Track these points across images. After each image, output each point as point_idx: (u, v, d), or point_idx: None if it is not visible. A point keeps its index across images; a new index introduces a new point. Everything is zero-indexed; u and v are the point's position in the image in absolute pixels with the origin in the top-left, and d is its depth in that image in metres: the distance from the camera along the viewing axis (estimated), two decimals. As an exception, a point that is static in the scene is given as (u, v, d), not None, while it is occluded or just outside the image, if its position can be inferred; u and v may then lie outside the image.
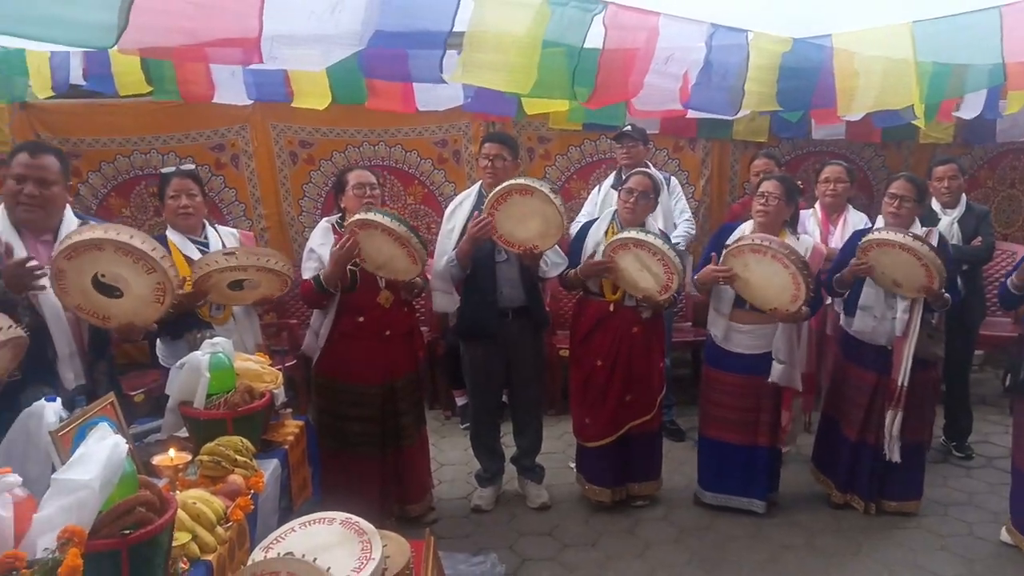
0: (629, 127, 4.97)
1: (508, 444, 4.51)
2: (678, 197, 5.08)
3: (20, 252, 2.76)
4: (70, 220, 2.95)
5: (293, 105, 4.72)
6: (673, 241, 4.20)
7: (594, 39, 2.84)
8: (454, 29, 2.59)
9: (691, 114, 4.56)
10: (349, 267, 3.62)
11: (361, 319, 3.73)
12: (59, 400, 2.34)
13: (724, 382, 4.09)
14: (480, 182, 4.14)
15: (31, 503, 1.88)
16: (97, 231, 2.70)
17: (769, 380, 3.93)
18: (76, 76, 4.59)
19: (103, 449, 1.86)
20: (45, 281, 2.69)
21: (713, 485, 4.24)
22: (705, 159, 6.07)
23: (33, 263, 2.63)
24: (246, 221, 5.71)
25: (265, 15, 2.13)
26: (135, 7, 1.83)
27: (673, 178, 5.20)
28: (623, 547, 3.92)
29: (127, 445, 1.92)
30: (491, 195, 3.72)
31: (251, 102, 4.82)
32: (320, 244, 3.71)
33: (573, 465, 4.52)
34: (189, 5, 2.08)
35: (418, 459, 4.07)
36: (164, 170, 3.66)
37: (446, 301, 4.13)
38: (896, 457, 3.96)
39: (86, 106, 5.32)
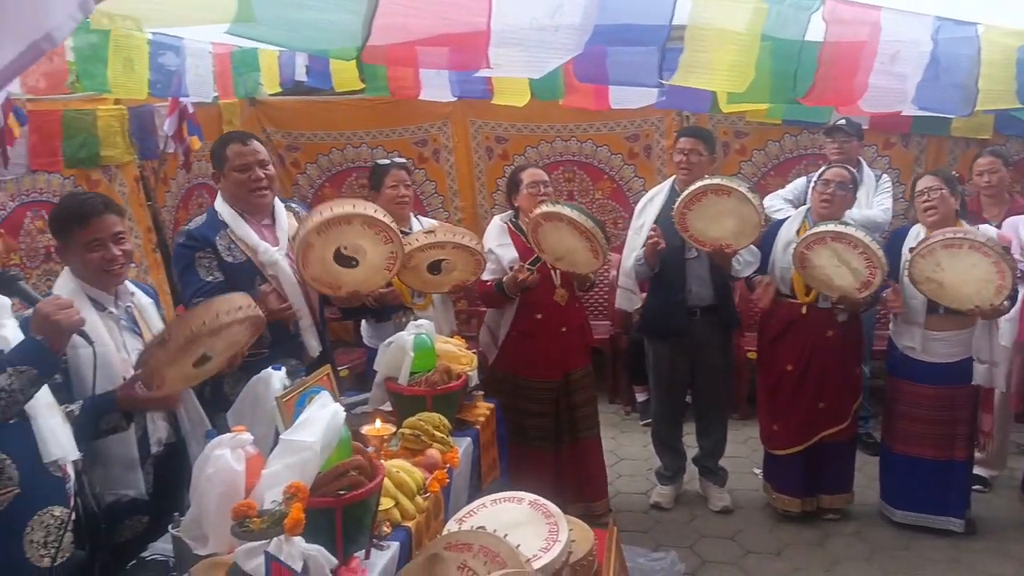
0: (843, 121, 4.65)
1: (690, 444, 4.45)
2: (884, 193, 4.73)
3: (257, 243, 2.98)
4: (278, 205, 3.19)
5: (493, 102, 4.88)
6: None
7: (812, 34, 2.72)
8: (670, 36, 2.56)
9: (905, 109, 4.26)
10: (528, 264, 3.69)
11: (539, 316, 3.78)
12: (284, 369, 2.58)
13: (916, 394, 3.82)
14: (673, 177, 4.10)
15: (259, 459, 2.10)
16: (346, 206, 2.94)
17: (972, 383, 3.65)
18: (300, 73, 5.00)
19: (325, 415, 2.03)
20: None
21: (903, 502, 3.97)
22: (919, 157, 5.64)
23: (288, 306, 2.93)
24: (443, 213, 5.99)
25: (493, 16, 2.23)
26: (383, 12, 1.98)
27: (884, 175, 4.88)
28: (810, 560, 3.76)
29: (344, 413, 2.10)
30: (683, 195, 3.64)
31: (454, 99, 5.03)
32: (497, 244, 3.78)
33: (758, 471, 4.39)
34: (424, 24, 2.23)
35: (593, 452, 4.05)
36: (381, 161, 3.89)
37: (629, 300, 4.14)
38: None
39: (306, 103, 5.79)
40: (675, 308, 3.96)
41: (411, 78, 4.75)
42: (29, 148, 3.63)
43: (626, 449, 5.04)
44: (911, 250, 3.56)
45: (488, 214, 6.02)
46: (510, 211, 3.93)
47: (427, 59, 2.46)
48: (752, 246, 3.88)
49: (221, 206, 3.03)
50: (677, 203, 3.68)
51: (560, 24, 2.33)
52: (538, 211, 3.53)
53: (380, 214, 2.98)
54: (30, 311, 2.06)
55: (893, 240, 3.88)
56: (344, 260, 3.01)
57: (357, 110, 5.77)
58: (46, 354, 1.93)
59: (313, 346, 3.13)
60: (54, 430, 2.00)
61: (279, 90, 5.19)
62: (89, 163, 4.00)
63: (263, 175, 3.01)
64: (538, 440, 3.87)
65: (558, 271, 3.74)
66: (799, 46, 2.72)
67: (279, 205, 3.19)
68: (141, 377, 2.26)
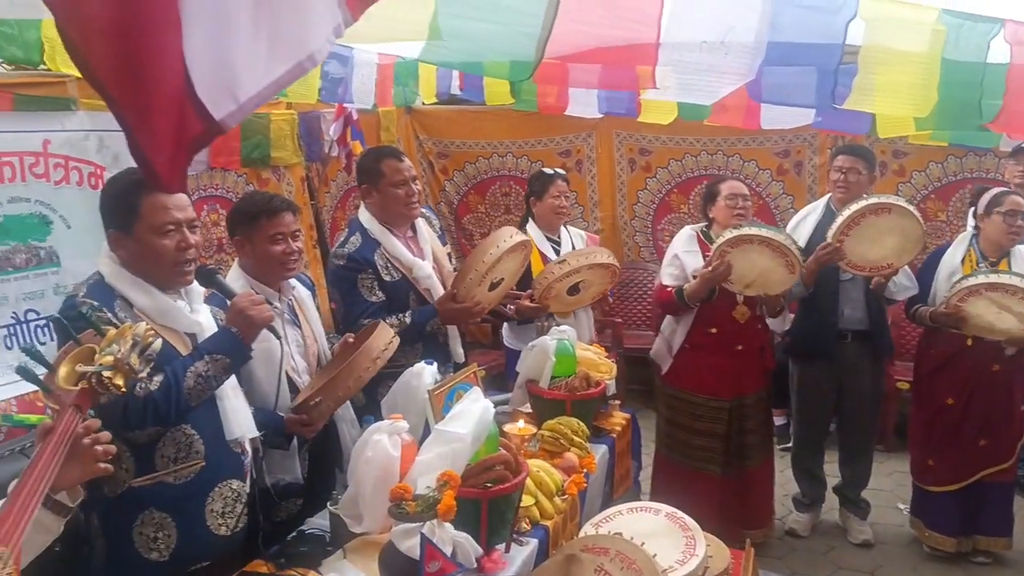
0: None
1: (830, 473, 4.28)
2: None
3: (410, 259, 3.10)
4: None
5: (638, 120, 4.90)
6: None
7: (993, 56, 2.59)
8: (842, 59, 2.50)
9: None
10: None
11: (714, 331, 3.66)
12: (435, 364, 2.70)
13: None
14: (828, 196, 3.98)
15: (413, 447, 2.21)
16: (492, 250, 3.06)
17: None
18: (454, 87, 5.20)
19: (476, 409, 2.13)
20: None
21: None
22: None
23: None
24: (583, 223, 6.03)
25: (663, 29, 2.26)
26: (548, 51, 2.07)
27: None
28: (956, 604, 3.55)
29: (494, 409, 2.18)
30: (842, 219, 3.49)
31: (600, 115, 5.08)
32: (684, 251, 3.69)
33: (904, 507, 4.18)
34: (594, 45, 2.29)
35: (761, 482, 3.91)
36: (546, 170, 3.98)
37: (779, 320, 4.03)
38: None
39: (457, 111, 6.00)
40: (826, 330, 3.82)
41: (559, 95, 4.86)
42: (211, 148, 3.95)
43: (761, 473, 4.90)
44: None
45: (628, 226, 6.04)
46: (703, 223, 3.81)
47: (592, 78, 2.51)
48: (908, 269, 3.71)
49: (369, 222, 3.09)
50: (834, 229, 3.52)
51: (731, 45, 2.32)
52: (723, 239, 3.40)
53: (519, 237, 3.14)
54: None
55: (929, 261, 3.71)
56: (493, 285, 3.17)
57: (505, 120, 5.91)
58: (238, 345, 2.09)
59: (459, 353, 3.26)
60: (237, 411, 2.18)
61: (435, 100, 5.42)
62: (261, 163, 4.32)
63: (416, 190, 3.13)
64: (703, 462, 3.75)
65: None
66: (982, 69, 2.59)
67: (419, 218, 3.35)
68: (307, 417, 2.41)
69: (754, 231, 3.36)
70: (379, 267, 3.02)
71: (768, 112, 4.61)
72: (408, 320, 2.99)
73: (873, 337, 3.87)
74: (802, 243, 3.84)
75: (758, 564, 2.84)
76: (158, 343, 1.66)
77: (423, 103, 5.64)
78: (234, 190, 4.16)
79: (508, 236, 3.12)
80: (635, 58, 2.38)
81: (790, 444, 4.74)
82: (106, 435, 1.52)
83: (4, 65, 3.73)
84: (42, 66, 3.08)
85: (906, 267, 3.68)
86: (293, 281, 2.74)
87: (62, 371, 1.51)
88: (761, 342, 3.84)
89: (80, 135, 3.18)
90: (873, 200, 3.46)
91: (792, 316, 4.08)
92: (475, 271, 3.01)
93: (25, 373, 1.52)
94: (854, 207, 3.46)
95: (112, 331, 1.59)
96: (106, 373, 1.49)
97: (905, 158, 5.48)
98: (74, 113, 3.16)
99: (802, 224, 3.97)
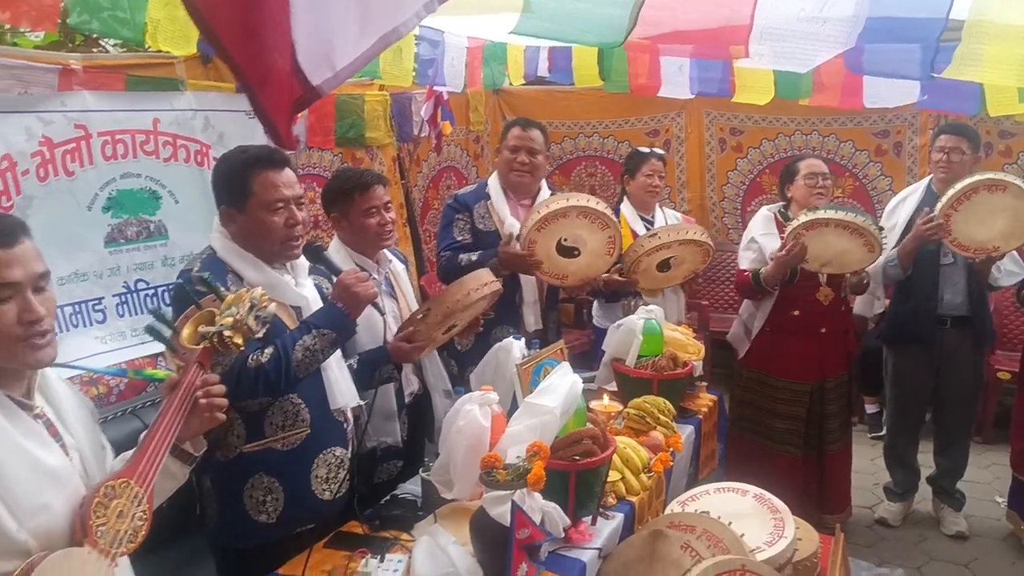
0: None
1: (924, 463, 4.15)
2: None
3: (507, 216, 3.27)
4: (544, 189, 3.43)
5: (733, 100, 4.80)
6: None
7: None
8: (948, 25, 2.40)
9: None
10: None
11: (796, 313, 3.60)
12: (523, 339, 2.75)
13: None
14: (929, 177, 3.83)
15: (503, 418, 2.26)
16: (560, 201, 3.10)
17: None
18: (542, 68, 5.20)
19: (565, 384, 2.16)
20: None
21: None
22: None
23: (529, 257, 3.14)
24: (669, 204, 5.94)
25: (757, 10, 2.22)
26: (646, 4, 2.06)
27: None
28: (1056, 602, 3.41)
29: (583, 384, 2.21)
30: (953, 191, 3.35)
31: (692, 96, 5.00)
32: (761, 234, 3.65)
33: (1002, 500, 4.03)
34: (687, 17, 2.26)
35: (840, 466, 3.85)
36: (641, 149, 3.97)
37: (870, 304, 3.92)
38: None
39: (544, 92, 6.00)
40: (924, 316, 3.69)
41: (652, 75, 4.80)
42: (308, 127, 4.08)
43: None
44: None
45: (716, 207, 5.95)
46: (781, 202, 3.76)
47: (684, 48, 2.48)
48: (1016, 254, 3.54)
49: (493, 180, 3.41)
50: (943, 202, 3.38)
51: (829, 17, 2.26)
52: (797, 223, 3.33)
53: (593, 203, 3.12)
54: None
55: None
56: (567, 251, 3.18)
57: (592, 100, 5.89)
58: (344, 320, 2.16)
59: (530, 321, 3.33)
60: (340, 381, 2.27)
61: (522, 82, 5.44)
62: (355, 143, 4.42)
63: (527, 160, 3.28)
64: (784, 444, 3.70)
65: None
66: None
67: (545, 191, 3.42)
68: (409, 335, 2.48)
69: (829, 214, 3.27)
70: (476, 214, 3.33)
71: (871, 90, 4.46)
72: (474, 259, 3.19)
73: (974, 323, 3.72)
74: (900, 226, 3.74)
75: (847, 551, 2.79)
76: (272, 307, 1.75)
77: (511, 84, 5.66)
78: (329, 169, 4.28)
79: (584, 198, 3.16)
80: (729, 38, 2.34)
81: (882, 432, 4.64)
82: (221, 388, 1.61)
83: (117, 47, 3.94)
84: (149, 47, 3.22)
85: (1014, 252, 3.52)
86: (389, 254, 2.83)
87: (185, 332, 1.62)
88: (845, 325, 3.75)
89: (187, 114, 3.32)
90: (989, 175, 3.31)
91: (887, 300, 3.97)
92: (536, 212, 3.09)
93: (154, 333, 1.63)
94: (968, 180, 3.32)
95: (230, 296, 1.68)
96: (227, 333, 1.60)
97: (1012, 138, 5.22)
98: (182, 93, 3.30)
99: (901, 206, 3.84)
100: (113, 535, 1.36)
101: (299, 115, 3.84)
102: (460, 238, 3.29)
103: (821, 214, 3.28)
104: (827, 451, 3.76)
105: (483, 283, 2.55)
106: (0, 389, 1.37)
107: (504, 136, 3.38)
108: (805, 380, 3.65)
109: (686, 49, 3.44)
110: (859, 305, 3.98)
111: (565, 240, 3.14)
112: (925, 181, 3.84)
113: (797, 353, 3.63)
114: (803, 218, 3.31)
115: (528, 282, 3.30)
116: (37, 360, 1.40)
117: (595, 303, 3.89)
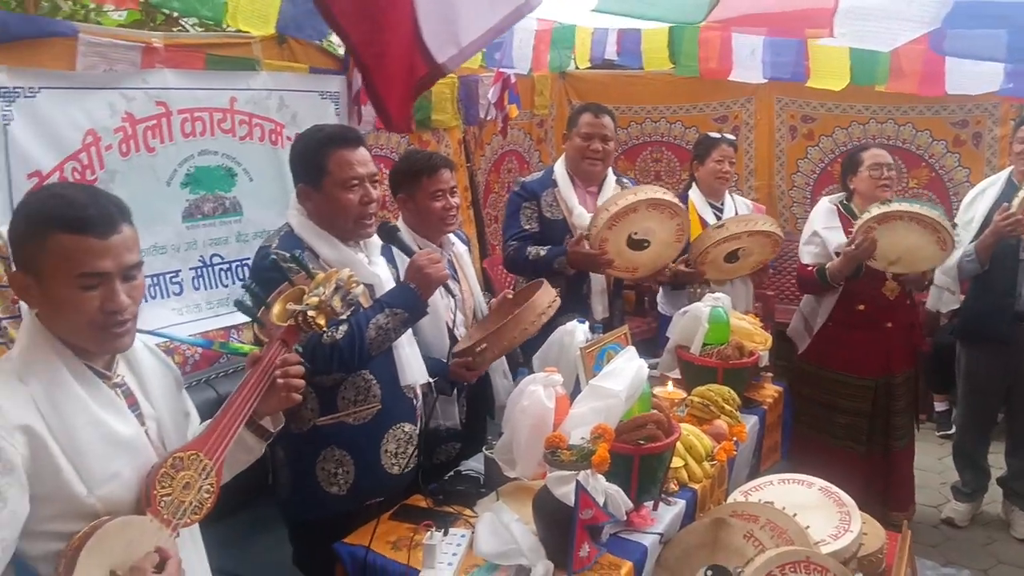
0: None
1: (994, 464, 4.03)
2: None
3: (575, 205, 3.24)
4: (610, 177, 3.40)
5: (806, 85, 4.70)
6: None
7: None
8: None
9: None
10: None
11: (861, 307, 3.52)
12: (587, 324, 2.75)
13: None
14: (1009, 169, 3.70)
15: (566, 399, 2.27)
16: (628, 197, 3.07)
17: None
18: (610, 52, 5.16)
19: (631, 368, 2.16)
20: None
21: None
22: None
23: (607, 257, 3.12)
24: (736, 192, 5.86)
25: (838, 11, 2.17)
26: (714, 15, 2.03)
27: None
28: None
29: (648, 369, 2.21)
30: None
31: (764, 80, 4.90)
32: (824, 227, 3.57)
33: (1077, 506, 3.87)
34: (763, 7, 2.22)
35: (904, 463, 3.77)
36: (712, 134, 3.92)
37: (944, 299, 3.80)
38: None
39: (611, 76, 5.95)
40: (1001, 312, 3.56)
41: (723, 58, 4.72)
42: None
43: (917, 459, 4.64)
44: None
45: (785, 196, 5.83)
46: (842, 193, 3.67)
47: (758, 30, 2.43)
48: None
49: (559, 166, 3.36)
50: (1019, 200, 3.28)
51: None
52: (869, 216, 3.23)
53: (660, 193, 3.09)
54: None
55: None
56: (637, 244, 3.16)
57: (660, 85, 5.81)
58: (416, 301, 2.19)
59: (598, 310, 3.32)
60: (410, 358, 2.30)
61: (588, 65, 5.41)
62: (422, 125, 4.45)
63: (600, 148, 3.25)
64: (845, 440, 3.63)
65: None
66: None
67: (611, 177, 3.40)
68: (471, 361, 2.47)
69: (904, 207, 3.17)
70: (544, 202, 3.28)
71: (952, 77, 4.31)
72: (542, 254, 3.17)
73: (1054, 321, 3.58)
74: (978, 219, 3.62)
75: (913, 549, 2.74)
76: (359, 289, 1.76)
77: (576, 67, 5.63)
78: (397, 151, 4.33)
79: (651, 190, 3.13)
80: (812, 17, 2.29)
81: (951, 431, 4.51)
82: (300, 369, 1.63)
83: (197, 27, 4.03)
84: (227, 27, 3.28)
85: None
86: (452, 237, 2.84)
87: (276, 308, 1.63)
88: (911, 319, 3.66)
89: (263, 94, 3.39)
90: None
91: (961, 296, 3.84)
92: (605, 211, 3.05)
93: (242, 307, 1.67)
94: None
95: (320, 275, 1.69)
96: (311, 313, 1.60)
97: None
98: (258, 73, 3.37)
99: (979, 199, 3.72)
100: (177, 506, 1.38)
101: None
102: (527, 227, 3.27)
103: (895, 207, 3.18)
104: (893, 448, 3.68)
105: (540, 313, 2.47)
106: (81, 359, 1.40)
107: (574, 122, 3.33)
108: (870, 376, 3.58)
109: (760, 31, 3.37)
110: (931, 300, 3.88)
111: (635, 234, 3.12)
112: (1005, 173, 3.71)
113: (862, 348, 3.55)
114: (875, 211, 3.22)
115: (596, 276, 3.28)
116: (113, 348, 1.43)
117: (660, 290, 3.86)
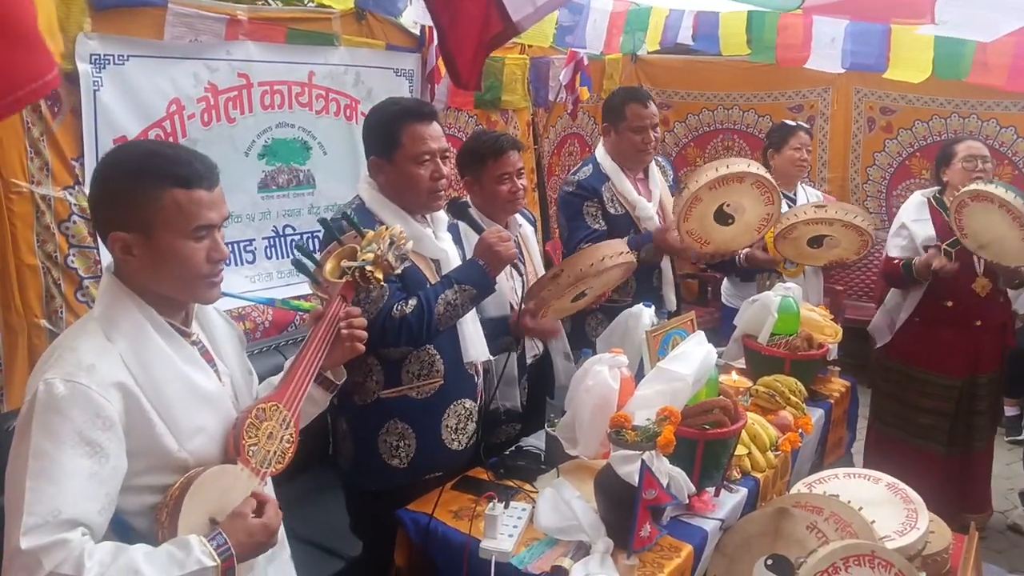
0: None
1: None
2: None
3: (636, 198, 3.15)
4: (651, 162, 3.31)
5: (885, 76, 4.55)
6: None
7: None
8: None
9: None
10: (945, 247, 3.33)
11: (949, 304, 3.40)
12: (652, 307, 2.74)
13: None
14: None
15: (631, 381, 2.27)
16: (742, 164, 2.97)
17: None
18: (684, 36, 5.07)
19: (699, 352, 2.15)
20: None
21: None
22: None
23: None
24: (808, 183, 5.74)
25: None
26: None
27: None
28: None
29: (716, 355, 2.19)
30: None
31: (843, 70, 4.76)
32: (913, 220, 3.46)
33: None
34: None
35: (982, 465, 3.66)
36: (788, 122, 3.85)
37: (1022, 301, 3.66)
38: None
39: (685, 62, 5.87)
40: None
41: (802, 45, 4.60)
42: (449, 87, 4.14)
43: (985, 464, 4.54)
44: None
45: (859, 189, 5.68)
46: (936, 187, 3.55)
47: (864, 12, 2.34)
48: None
49: (603, 158, 3.19)
50: None
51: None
52: (966, 189, 3.11)
53: (769, 175, 2.99)
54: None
55: None
56: (722, 218, 3.04)
57: (735, 72, 5.71)
58: (485, 278, 2.20)
59: (671, 300, 3.26)
60: (473, 335, 2.31)
61: (657, 48, 5.32)
62: (492, 105, 4.47)
63: (653, 138, 3.15)
64: (925, 440, 3.54)
65: (981, 259, 3.30)
66: None
67: (652, 162, 3.33)
68: (531, 307, 2.48)
69: (1000, 192, 3.01)
70: (605, 199, 3.12)
71: (1043, 73, 4.12)
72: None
73: None
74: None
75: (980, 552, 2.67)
76: (410, 244, 1.80)
77: (647, 51, 5.55)
78: (465, 130, 4.35)
79: (618, 252, 2.72)
80: (913, 5, 2.21)
81: (1021, 437, 4.37)
82: (362, 321, 1.68)
83: (279, 0, 4.11)
84: (308, 2, 3.33)
85: None
86: (518, 218, 2.84)
87: (328, 265, 1.69)
88: (1003, 318, 3.52)
89: (340, 69, 3.44)
90: None
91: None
92: (714, 170, 2.92)
93: (299, 266, 1.73)
94: None
95: (371, 233, 1.74)
96: (368, 267, 1.66)
97: None
98: (336, 48, 3.41)
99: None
100: (263, 455, 1.45)
101: (442, 75, 3.91)
102: (595, 226, 3.10)
103: (991, 188, 3.02)
104: (974, 449, 3.57)
105: (618, 252, 2.49)
106: (162, 316, 1.44)
107: (618, 113, 3.14)
108: (956, 375, 3.47)
109: (845, 17, 3.26)
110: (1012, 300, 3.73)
111: (727, 205, 3.00)
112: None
113: (949, 346, 3.43)
114: (972, 186, 3.08)
115: (667, 265, 3.22)
116: (210, 297, 1.48)
117: (725, 280, 3.80)
